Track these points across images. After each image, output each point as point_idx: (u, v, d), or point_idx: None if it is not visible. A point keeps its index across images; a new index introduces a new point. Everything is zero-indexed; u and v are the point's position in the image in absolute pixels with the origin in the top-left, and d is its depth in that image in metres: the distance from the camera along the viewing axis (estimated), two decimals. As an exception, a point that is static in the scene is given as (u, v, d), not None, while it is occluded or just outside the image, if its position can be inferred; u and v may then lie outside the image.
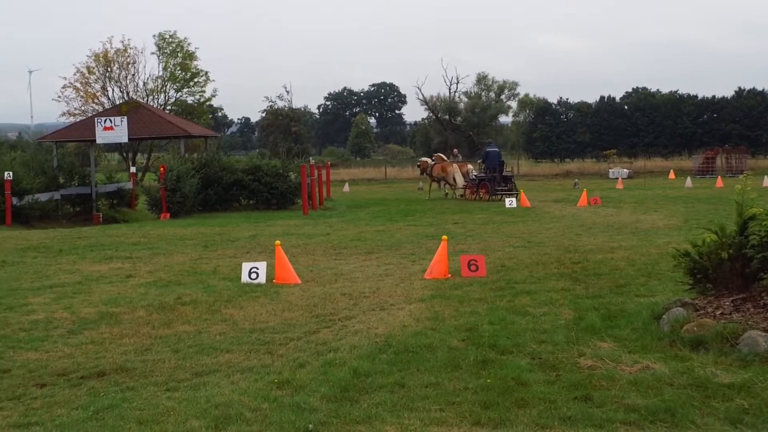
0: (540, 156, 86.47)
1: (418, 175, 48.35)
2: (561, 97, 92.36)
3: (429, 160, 42.75)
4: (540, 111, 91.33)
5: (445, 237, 14.85)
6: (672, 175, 55.99)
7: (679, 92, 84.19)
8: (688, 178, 47.18)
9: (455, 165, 40.76)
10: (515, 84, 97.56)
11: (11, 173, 30.21)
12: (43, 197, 32.30)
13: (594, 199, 31.83)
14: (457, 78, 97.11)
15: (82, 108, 62.77)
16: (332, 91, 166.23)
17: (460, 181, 39.17)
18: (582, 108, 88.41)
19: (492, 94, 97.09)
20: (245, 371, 8.49)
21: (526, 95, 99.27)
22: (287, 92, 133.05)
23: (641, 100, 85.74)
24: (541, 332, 9.78)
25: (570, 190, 43.76)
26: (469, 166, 41.20)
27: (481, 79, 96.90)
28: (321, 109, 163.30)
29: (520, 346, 9.15)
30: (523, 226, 23.32)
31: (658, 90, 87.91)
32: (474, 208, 30.89)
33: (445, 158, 42.99)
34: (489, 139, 48.22)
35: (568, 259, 15.78)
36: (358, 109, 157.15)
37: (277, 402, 7.40)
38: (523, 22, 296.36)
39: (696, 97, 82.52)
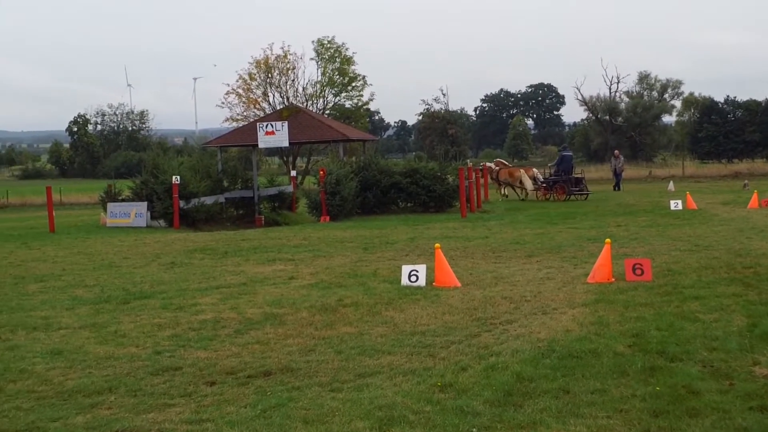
0: (706, 156, 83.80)
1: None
2: (728, 96, 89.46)
3: (492, 165, 45.79)
4: (706, 110, 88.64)
5: (608, 240, 14.49)
6: None
7: None
8: None
9: (522, 170, 43.78)
10: (679, 82, 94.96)
11: (179, 177, 31.31)
12: (208, 200, 33.35)
13: (766, 200, 30.46)
14: (618, 77, 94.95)
15: (244, 113, 64.77)
16: (489, 93, 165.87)
17: (529, 184, 41.67)
18: (751, 106, 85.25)
19: (654, 94, 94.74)
20: (407, 373, 8.49)
21: (691, 94, 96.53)
22: (443, 95, 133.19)
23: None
24: (712, 339, 9.39)
25: (739, 191, 42.01)
26: (534, 170, 43.96)
27: (643, 78, 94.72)
28: (477, 111, 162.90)
29: (690, 353, 8.81)
30: (690, 228, 22.53)
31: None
32: (638, 211, 30.05)
33: (507, 163, 47.38)
34: (564, 144, 50.35)
35: (738, 264, 15.13)
36: (515, 111, 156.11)
37: (440, 405, 7.37)
38: (686, 19, 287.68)
39: None
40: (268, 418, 7.23)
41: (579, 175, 41.61)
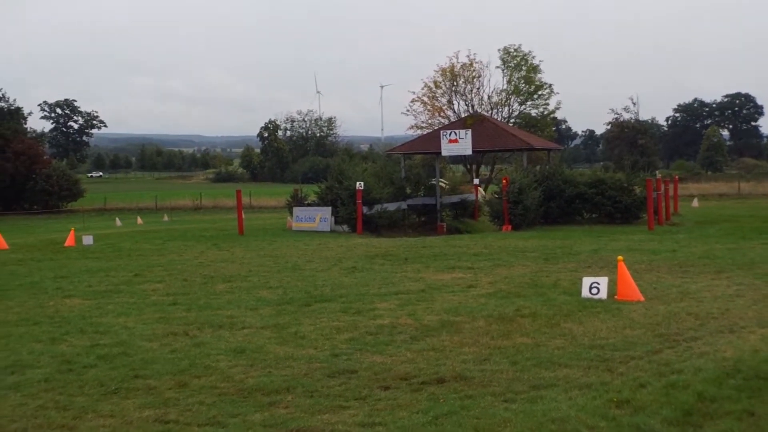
0: None
1: None
2: None
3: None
4: None
5: (804, 257, 13.73)
6: None
7: None
8: None
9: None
10: None
11: (362, 183, 31.84)
12: (391, 207, 33.78)
13: None
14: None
15: (429, 121, 65.04)
16: (681, 103, 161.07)
17: None
18: None
19: None
20: (583, 387, 8.29)
21: None
22: (633, 104, 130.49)
23: None
24: None
25: None
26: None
27: None
28: (669, 121, 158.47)
29: None
30: None
31: None
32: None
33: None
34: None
35: None
36: (709, 121, 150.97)
37: (615, 421, 7.15)
38: None
39: None
40: (440, 426, 7.22)
41: None
